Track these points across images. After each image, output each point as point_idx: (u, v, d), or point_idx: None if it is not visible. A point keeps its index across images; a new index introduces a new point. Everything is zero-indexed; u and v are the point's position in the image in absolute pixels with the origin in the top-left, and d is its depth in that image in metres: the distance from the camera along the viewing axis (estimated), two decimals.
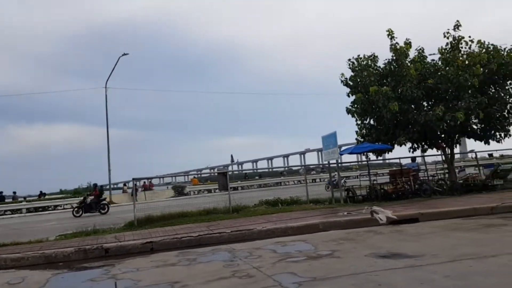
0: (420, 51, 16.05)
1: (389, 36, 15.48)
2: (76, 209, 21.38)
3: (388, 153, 16.71)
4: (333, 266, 5.93)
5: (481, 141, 15.88)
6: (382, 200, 13.78)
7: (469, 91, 14.55)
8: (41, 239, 10.81)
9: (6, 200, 31.77)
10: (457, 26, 15.37)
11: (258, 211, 12.60)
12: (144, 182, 39.35)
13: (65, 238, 10.63)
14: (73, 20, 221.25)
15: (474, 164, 19.91)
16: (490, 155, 30.27)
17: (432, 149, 16.39)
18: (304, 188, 15.62)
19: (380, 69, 16.18)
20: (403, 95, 14.54)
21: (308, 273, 5.61)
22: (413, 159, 17.65)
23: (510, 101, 15.38)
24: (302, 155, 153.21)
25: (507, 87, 15.42)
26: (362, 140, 16.76)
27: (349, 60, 16.70)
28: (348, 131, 19.01)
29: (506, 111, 15.38)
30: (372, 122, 16.38)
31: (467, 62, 14.70)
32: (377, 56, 16.36)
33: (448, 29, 15.52)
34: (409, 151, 16.48)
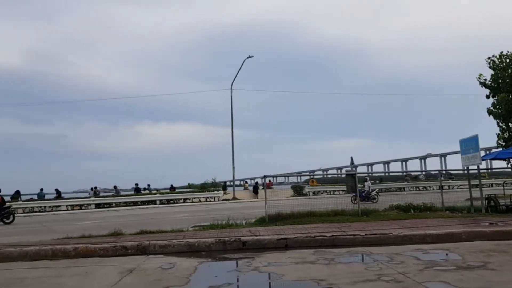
0: None
1: None
2: None
3: None
4: (490, 279, 5.47)
5: None
6: None
7: None
8: (180, 229, 11.66)
9: (141, 192, 34.93)
10: None
11: (389, 216, 12.16)
12: (264, 181, 40.38)
13: (203, 229, 11.29)
14: (194, 26, 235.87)
15: None
16: None
17: None
18: (435, 195, 14.75)
19: None
20: None
21: (463, 283, 5.24)
22: None
23: None
24: (423, 160, 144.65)
25: None
26: (503, 144, 15.30)
27: (489, 58, 15.36)
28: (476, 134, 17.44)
29: None
30: None
31: None
32: None
33: None
34: None
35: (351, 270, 6.37)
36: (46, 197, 31.59)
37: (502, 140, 15.47)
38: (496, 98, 15.13)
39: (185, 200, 31.10)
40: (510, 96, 14.16)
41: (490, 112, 15.19)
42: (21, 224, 19.74)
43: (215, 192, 32.69)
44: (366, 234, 9.10)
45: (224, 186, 39.52)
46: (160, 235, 10.43)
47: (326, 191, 34.00)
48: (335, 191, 34.08)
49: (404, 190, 34.43)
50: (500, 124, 15.30)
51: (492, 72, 15.36)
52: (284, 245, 8.86)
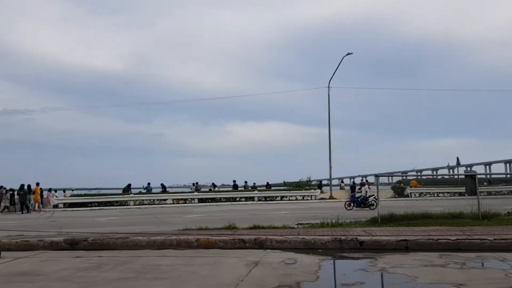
0: None
1: None
2: None
3: None
4: None
5: None
6: None
7: None
8: (288, 225, 11.76)
9: (239, 189, 35.90)
10: None
11: None
12: (361, 180, 39.53)
13: (312, 227, 11.29)
14: (282, 25, 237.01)
15: None
16: None
17: None
18: None
19: None
20: None
21: None
22: None
23: None
24: None
25: None
26: None
27: None
28: None
29: None
30: None
31: None
32: None
33: None
34: None
35: (489, 276, 5.99)
36: (153, 191, 33.78)
37: None
38: None
39: (282, 197, 31.41)
40: None
41: None
42: (134, 215, 21.26)
43: (312, 191, 32.59)
44: (495, 239, 8.47)
45: (319, 185, 39.32)
46: (273, 230, 10.61)
47: (429, 193, 32.34)
48: (440, 193, 32.36)
49: None
50: None
51: None
52: (404, 247, 8.54)
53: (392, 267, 6.71)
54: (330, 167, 33.83)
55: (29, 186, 26.32)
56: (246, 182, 37.60)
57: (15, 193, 26.87)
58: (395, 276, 6.14)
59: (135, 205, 28.07)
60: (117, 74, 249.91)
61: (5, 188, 27.17)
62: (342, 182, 44.95)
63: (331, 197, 31.83)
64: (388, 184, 45.61)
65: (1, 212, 26.23)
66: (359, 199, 22.10)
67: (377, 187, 12.34)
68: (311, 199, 31.22)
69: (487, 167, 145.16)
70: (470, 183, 12.27)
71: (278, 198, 31.46)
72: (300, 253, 8.27)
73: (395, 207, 12.27)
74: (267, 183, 37.94)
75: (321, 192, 32.78)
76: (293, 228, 11.20)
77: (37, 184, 26.97)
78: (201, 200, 29.56)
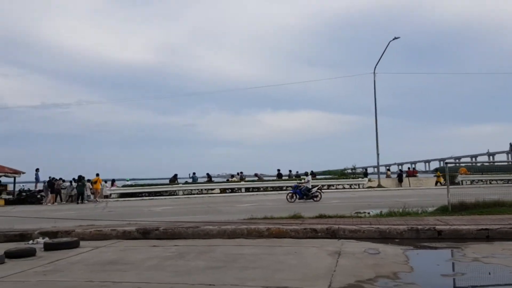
0: None
1: None
2: None
3: None
4: None
5: None
6: None
7: None
8: (353, 214, 11.58)
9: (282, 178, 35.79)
10: None
11: None
12: (408, 168, 38.67)
13: (380, 216, 11.06)
14: (314, 13, 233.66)
15: None
16: None
17: None
18: None
19: None
20: None
21: None
22: None
23: None
24: None
25: None
26: None
27: None
28: None
29: None
30: None
31: None
32: None
33: None
34: None
35: None
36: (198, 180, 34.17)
37: None
38: None
39: (329, 186, 31.07)
40: None
41: None
42: (186, 205, 21.52)
43: (359, 179, 32.10)
44: None
45: (365, 173, 38.72)
46: (341, 219, 10.47)
47: (481, 180, 31.26)
48: (493, 180, 31.20)
49: None
50: None
51: None
52: (485, 236, 8.21)
53: (484, 257, 6.44)
54: (378, 154, 33.21)
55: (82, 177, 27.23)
56: (290, 171, 37.43)
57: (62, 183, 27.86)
58: (493, 266, 5.88)
59: (183, 194, 28.48)
60: (149, 66, 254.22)
61: (63, 180, 28.13)
62: (389, 170, 44.07)
63: (379, 186, 31.26)
64: (425, 172, 44.27)
65: (65, 202, 27.25)
66: (301, 191, 20.40)
67: (447, 175, 11.89)
68: (359, 188, 30.76)
69: None
70: None
71: (325, 187, 31.11)
72: (377, 242, 8.09)
73: (463, 195, 11.80)
74: (312, 171, 37.61)
75: (369, 180, 32.20)
76: (361, 217, 11.00)
77: (97, 174, 27.83)
78: (247, 190, 29.66)
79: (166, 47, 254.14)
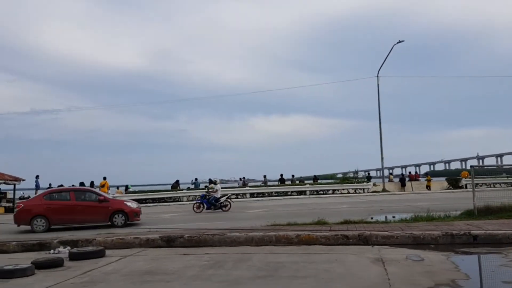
0: None
1: None
2: None
3: None
4: None
5: None
6: None
7: None
8: (379, 220, 11.41)
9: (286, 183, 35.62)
10: None
11: None
12: (410, 172, 38.64)
13: (406, 221, 10.90)
14: (304, 18, 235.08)
15: None
16: None
17: None
18: None
19: None
20: None
21: None
22: None
23: None
24: None
25: None
26: None
27: None
28: None
29: None
30: None
31: None
32: None
33: None
34: None
35: None
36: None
37: None
38: None
39: (334, 191, 30.96)
40: None
41: None
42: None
43: (364, 183, 31.99)
44: None
45: (368, 177, 38.63)
46: (368, 225, 10.32)
47: (485, 184, 31.21)
48: (496, 183, 31.18)
49: None
50: None
51: None
52: None
53: None
54: (382, 158, 33.08)
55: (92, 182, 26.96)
56: (293, 175, 37.32)
57: None
58: None
59: (188, 201, 28.18)
60: (140, 71, 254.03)
61: (62, 186, 27.71)
62: (391, 174, 43.98)
63: (384, 190, 31.16)
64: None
65: None
66: (209, 201, 19.70)
67: (472, 179, 11.73)
68: (364, 192, 30.64)
69: None
70: None
71: (330, 192, 31.02)
72: (413, 249, 7.92)
73: (487, 199, 11.66)
74: (315, 176, 37.56)
75: (374, 184, 32.09)
76: (388, 222, 10.90)
77: (104, 178, 27.45)
78: (252, 195, 29.43)
79: (157, 53, 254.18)
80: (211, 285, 5.60)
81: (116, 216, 14.88)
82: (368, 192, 30.45)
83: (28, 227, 14.56)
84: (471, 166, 11.75)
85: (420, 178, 38.76)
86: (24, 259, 8.22)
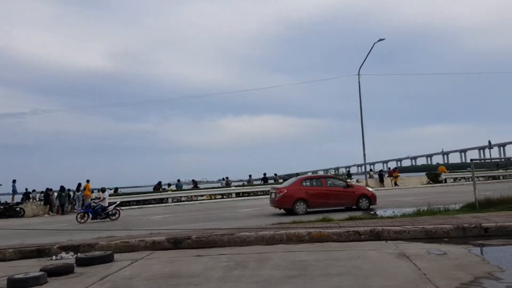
0: None
1: None
2: None
3: None
4: None
5: None
6: None
7: None
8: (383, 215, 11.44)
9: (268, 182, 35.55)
10: None
11: None
12: (389, 168, 39.19)
13: (409, 215, 10.97)
14: (273, 20, 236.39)
15: None
16: None
17: None
18: None
19: None
20: None
21: None
22: None
23: None
24: None
25: None
26: None
27: None
28: None
29: None
30: None
31: None
32: None
33: None
34: None
35: None
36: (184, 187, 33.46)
37: None
38: None
39: None
40: None
41: None
42: (183, 212, 20.89)
43: (348, 181, 32.15)
44: None
45: (349, 174, 39.01)
46: (375, 221, 10.31)
47: (464, 178, 31.94)
48: (477, 177, 31.88)
49: None
50: None
51: None
52: None
53: None
54: (364, 155, 33.48)
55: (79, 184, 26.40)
56: (276, 174, 37.30)
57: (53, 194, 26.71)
58: None
59: (173, 202, 27.76)
60: (108, 73, 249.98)
61: (51, 190, 26.85)
62: (371, 170, 44.51)
63: (367, 186, 31.39)
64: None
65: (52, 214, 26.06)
66: (94, 210, 18.46)
67: (473, 173, 11.87)
68: None
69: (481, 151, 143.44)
70: None
71: None
72: (427, 242, 7.97)
73: (485, 191, 11.85)
74: (297, 174, 37.56)
75: (357, 181, 32.32)
76: (396, 217, 10.94)
77: (87, 181, 26.71)
78: (237, 195, 29.22)
79: (125, 54, 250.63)
80: (244, 286, 5.43)
81: (361, 200, 16.03)
82: None
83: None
84: (471, 160, 11.87)
85: (399, 174, 39.30)
86: (27, 267, 7.87)
